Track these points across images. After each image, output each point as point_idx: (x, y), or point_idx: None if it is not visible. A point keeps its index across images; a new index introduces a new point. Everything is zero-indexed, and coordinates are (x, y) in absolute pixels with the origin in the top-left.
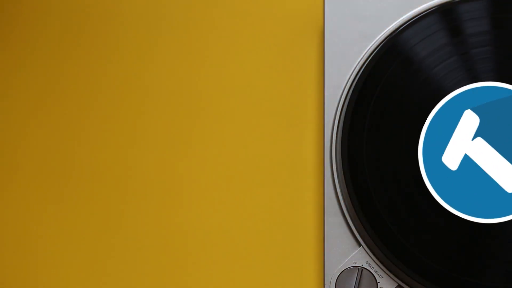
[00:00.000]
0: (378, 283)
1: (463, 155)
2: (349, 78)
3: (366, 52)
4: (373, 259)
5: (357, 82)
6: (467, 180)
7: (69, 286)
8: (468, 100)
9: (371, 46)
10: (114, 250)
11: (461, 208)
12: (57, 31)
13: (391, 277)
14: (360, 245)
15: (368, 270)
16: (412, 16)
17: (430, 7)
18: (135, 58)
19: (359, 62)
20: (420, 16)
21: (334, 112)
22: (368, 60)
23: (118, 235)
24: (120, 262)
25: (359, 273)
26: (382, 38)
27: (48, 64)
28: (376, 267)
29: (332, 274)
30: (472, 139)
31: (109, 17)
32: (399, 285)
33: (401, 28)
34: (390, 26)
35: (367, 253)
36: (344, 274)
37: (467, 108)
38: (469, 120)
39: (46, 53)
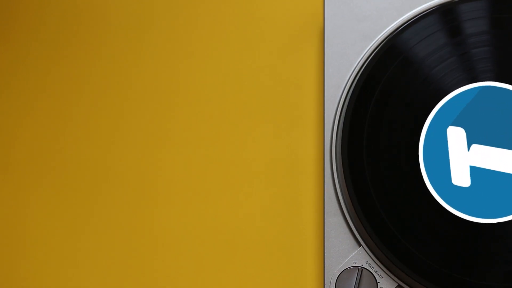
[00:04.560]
0: (378, 283)
1: (469, 168)
2: (349, 78)
3: (366, 52)
4: (373, 259)
5: (357, 82)
6: (483, 188)
7: (55, 283)
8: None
9: (371, 46)
10: (113, 250)
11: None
12: (46, 31)
13: (391, 277)
14: (360, 245)
15: (368, 270)
16: (412, 16)
17: (430, 7)
18: (132, 58)
19: (359, 62)
20: (420, 16)
21: (334, 112)
22: (368, 60)
23: (118, 236)
24: (117, 263)
25: (359, 273)
26: (382, 38)
27: (36, 63)
28: (376, 267)
29: (332, 274)
30: (469, 150)
31: (104, 16)
32: (399, 285)
33: (401, 28)
34: (390, 26)
35: (367, 253)
36: (344, 274)
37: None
38: (456, 135)
39: (33, 52)
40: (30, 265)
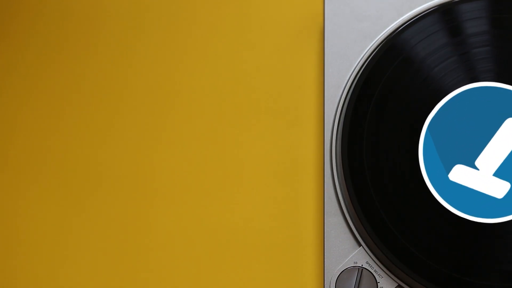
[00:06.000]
0: (378, 283)
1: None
2: (349, 78)
3: (366, 52)
4: (373, 259)
5: (357, 82)
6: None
7: (51, 282)
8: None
9: (371, 46)
10: (110, 249)
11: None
12: (41, 29)
13: (391, 277)
14: (360, 245)
15: (368, 270)
16: (412, 16)
17: (430, 7)
18: (130, 56)
19: (359, 62)
20: (420, 16)
21: (334, 112)
22: (368, 60)
23: (114, 235)
24: (119, 264)
25: (359, 273)
26: (382, 38)
27: (32, 61)
28: (376, 267)
29: (332, 274)
30: (478, 169)
31: (100, 15)
32: (399, 285)
33: (401, 28)
34: (390, 26)
35: (367, 253)
36: (344, 274)
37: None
38: (461, 173)
39: (29, 51)
40: (25, 264)
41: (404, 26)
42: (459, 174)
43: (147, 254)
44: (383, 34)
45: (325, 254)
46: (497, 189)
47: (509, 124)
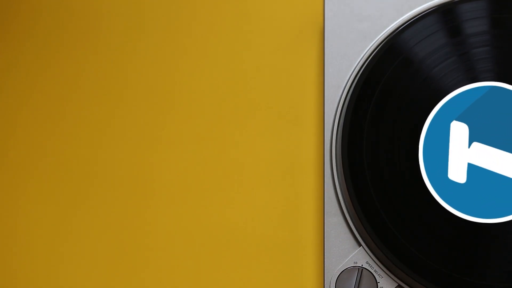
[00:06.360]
0: (378, 283)
1: (467, 164)
2: (349, 78)
3: (366, 52)
4: (373, 259)
5: (357, 82)
6: (478, 187)
7: (50, 282)
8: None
9: (371, 46)
10: (108, 249)
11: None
12: (40, 29)
13: (391, 277)
14: (360, 245)
15: (368, 270)
16: (412, 16)
17: (430, 7)
18: (129, 56)
19: (359, 62)
20: (420, 16)
21: (334, 112)
22: (368, 60)
23: (112, 236)
24: (120, 264)
25: (359, 273)
26: (382, 38)
27: (31, 61)
28: (376, 267)
29: (332, 274)
30: (469, 147)
31: (99, 14)
32: (399, 285)
33: (401, 28)
34: (390, 26)
35: (367, 253)
36: (344, 274)
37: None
38: (458, 130)
39: (28, 51)
40: (24, 264)
41: (404, 26)
42: (456, 130)
43: (147, 254)
44: (383, 34)
45: (325, 254)
46: (456, 173)
47: None
